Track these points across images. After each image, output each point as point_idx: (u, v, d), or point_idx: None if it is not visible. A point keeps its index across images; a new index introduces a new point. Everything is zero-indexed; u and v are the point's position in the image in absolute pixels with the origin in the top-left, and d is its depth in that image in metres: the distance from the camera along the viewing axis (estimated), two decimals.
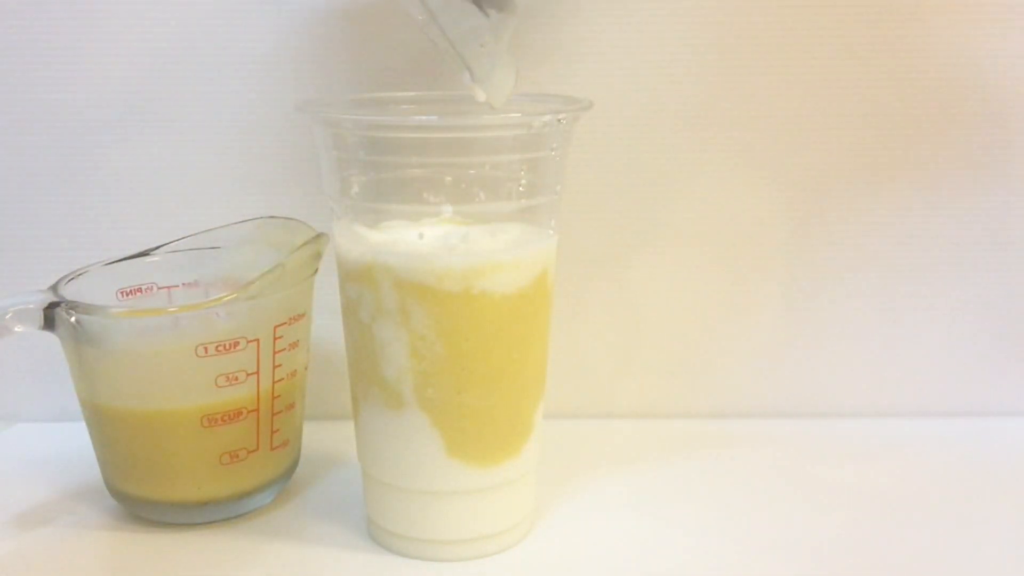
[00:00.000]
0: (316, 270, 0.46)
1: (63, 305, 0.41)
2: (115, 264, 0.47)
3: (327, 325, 0.49)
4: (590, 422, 0.56)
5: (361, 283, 0.39)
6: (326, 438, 0.53)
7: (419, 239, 0.38)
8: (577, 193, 0.52)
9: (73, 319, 0.41)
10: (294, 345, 0.45)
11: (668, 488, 0.48)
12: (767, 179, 0.54)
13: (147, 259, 0.48)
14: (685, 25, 0.52)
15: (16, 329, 0.41)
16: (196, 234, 0.48)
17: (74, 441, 0.50)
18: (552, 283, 0.42)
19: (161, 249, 0.48)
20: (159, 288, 0.48)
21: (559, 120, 0.38)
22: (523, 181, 0.40)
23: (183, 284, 0.48)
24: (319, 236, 0.45)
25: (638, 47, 0.52)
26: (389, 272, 0.38)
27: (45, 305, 0.41)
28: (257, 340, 0.42)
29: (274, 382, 0.44)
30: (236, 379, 0.42)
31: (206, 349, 0.41)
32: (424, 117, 0.41)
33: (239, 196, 0.54)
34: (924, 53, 0.52)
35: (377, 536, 0.43)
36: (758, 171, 0.54)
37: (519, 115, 0.39)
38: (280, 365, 0.44)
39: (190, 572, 0.41)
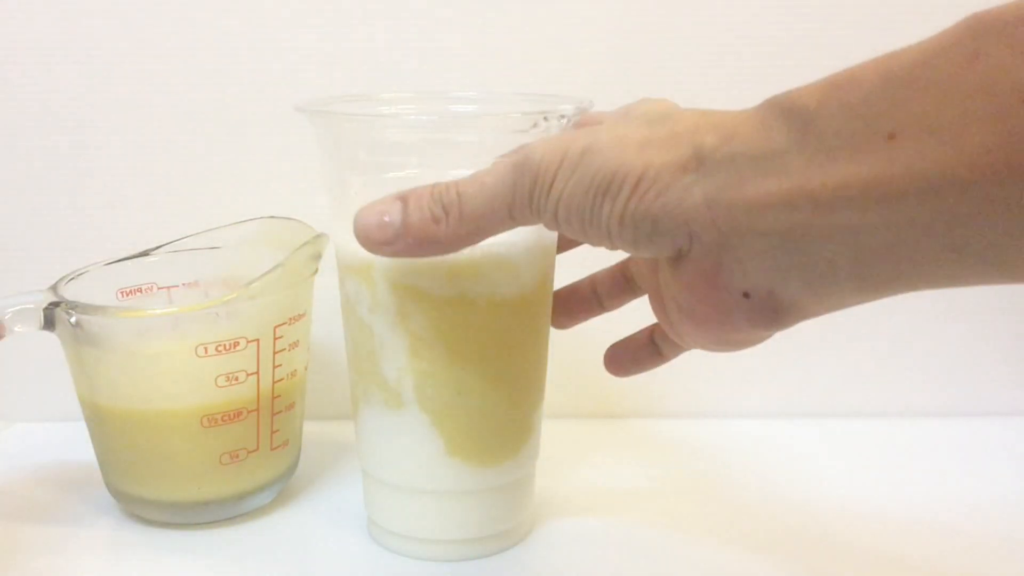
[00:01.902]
0: (316, 270, 0.46)
1: (63, 305, 0.41)
2: (115, 264, 0.47)
3: (327, 325, 0.49)
4: (590, 422, 0.56)
5: (360, 283, 0.39)
6: (326, 438, 0.53)
7: None
8: None
9: (73, 319, 0.41)
10: (294, 345, 0.45)
11: (668, 488, 0.49)
12: None
13: (147, 259, 0.48)
14: (684, 24, 0.52)
15: (16, 329, 0.41)
16: (196, 234, 0.48)
17: (74, 441, 0.50)
18: (551, 284, 0.42)
19: (161, 249, 0.48)
20: (159, 288, 0.48)
21: (560, 119, 0.38)
22: None
23: (183, 284, 0.48)
24: (319, 236, 0.45)
25: (637, 46, 0.52)
26: (387, 273, 0.38)
27: (45, 305, 0.41)
28: (257, 340, 0.42)
29: (274, 382, 0.44)
30: (236, 379, 0.42)
31: (206, 349, 0.41)
32: (424, 117, 0.40)
33: (239, 196, 0.54)
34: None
35: (377, 536, 0.43)
36: None
37: (520, 114, 0.39)
38: (280, 365, 0.44)
39: (190, 572, 0.41)
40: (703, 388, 0.57)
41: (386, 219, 0.34)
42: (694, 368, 0.56)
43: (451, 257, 0.36)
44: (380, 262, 0.38)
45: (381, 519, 0.43)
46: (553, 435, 0.46)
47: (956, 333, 0.56)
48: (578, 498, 0.47)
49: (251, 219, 0.49)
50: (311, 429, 0.50)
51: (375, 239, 0.34)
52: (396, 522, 0.42)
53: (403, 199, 0.34)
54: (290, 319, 0.44)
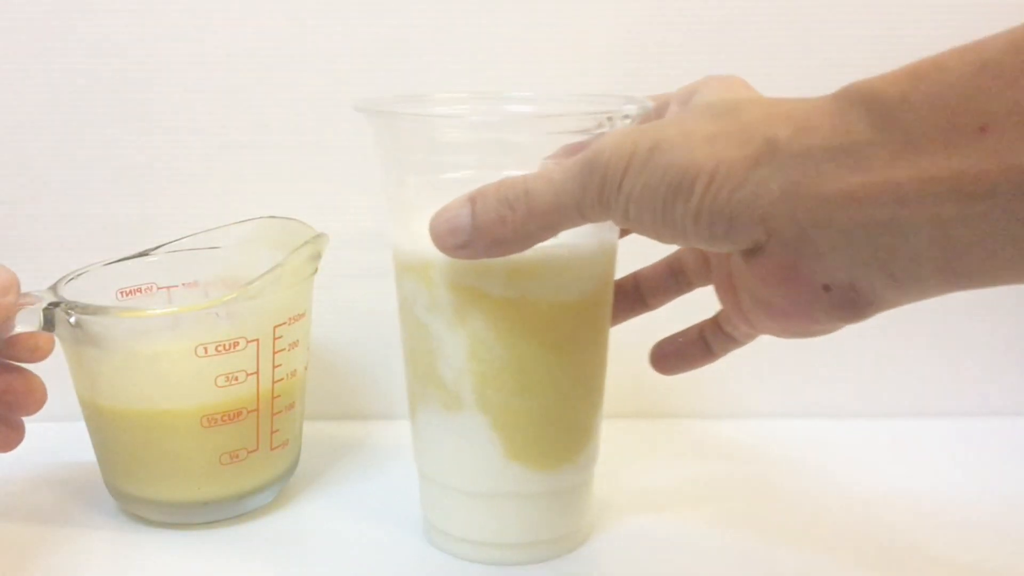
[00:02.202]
0: (316, 270, 0.45)
1: (63, 305, 0.41)
2: (115, 264, 0.47)
3: (327, 325, 0.49)
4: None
5: (418, 283, 0.39)
6: (327, 438, 0.53)
7: None
8: None
9: (73, 319, 0.41)
10: (294, 345, 0.45)
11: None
12: None
13: (147, 259, 0.48)
14: (690, 28, 0.52)
15: (16, 329, 0.41)
16: (196, 234, 0.48)
17: (74, 441, 0.49)
18: (612, 287, 0.41)
19: (161, 249, 0.48)
20: (159, 288, 0.48)
21: (624, 119, 0.37)
22: None
23: (183, 284, 0.48)
24: (319, 236, 0.45)
25: (638, 47, 0.52)
26: (445, 273, 0.37)
27: (45, 305, 0.41)
28: (257, 340, 0.42)
29: (274, 382, 0.44)
30: (236, 379, 0.42)
31: (206, 349, 0.41)
32: (486, 117, 0.40)
33: (242, 195, 0.54)
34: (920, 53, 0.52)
35: (433, 538, 0.43)
36: None
37: (585, 115, 0.38)
38: (280, 365, 0.44)
39: (191, 572, 0.41)
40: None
41: (458, 222, 0.34)
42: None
43: (511, 258, 0.36)
44: (439, 262, 0.37)
45: (437, 521, 0.42)
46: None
47: (957, 333, 0.56)
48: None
49: (250, 219, 0.49)
50: (311, 429, 0.50)
51: (449, 244, 0.34)
52: (453, 524, 0.42)
53: (472, 200, 0.34)
54: (290, 319, 0.44)
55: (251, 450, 0.44)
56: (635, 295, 0.43)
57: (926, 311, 0.55)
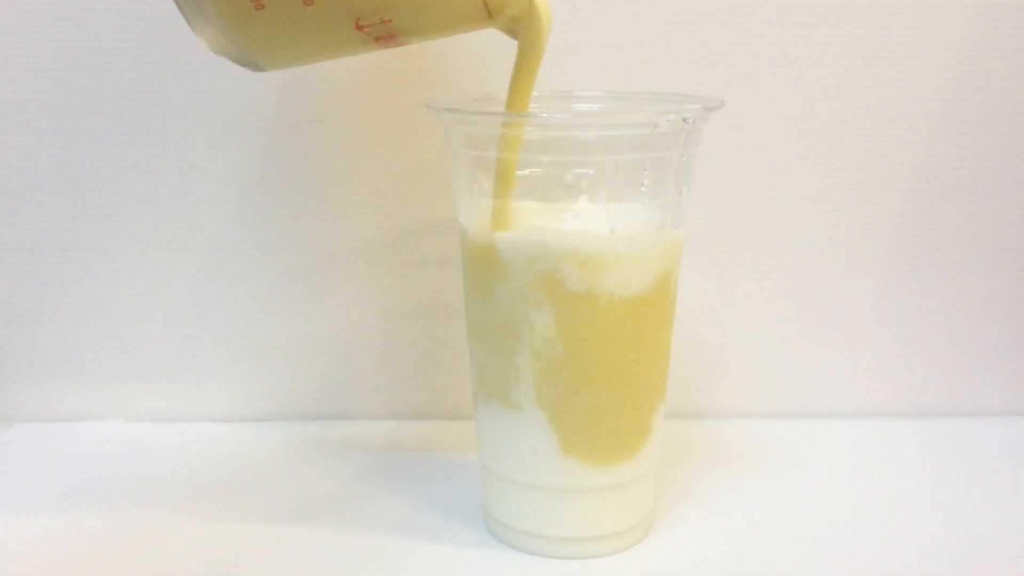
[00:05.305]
0: None
1: None
2: None
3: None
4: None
5: (481, 278, 0.40)
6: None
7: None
8: None
9: None
10: None
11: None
12: (766, 180, 0.54)
13: None
14: (689, 30, 0.52)
15: None
16: None
17: (74, 441, 0.49)
18: (675, 285, 0.42)
19: None
20: None
21: (684, 120, 0.38)
22: (647, 180, 0.39)
23: None
24: None
25: (634, 49, 0.52)
26: (505, 271, 0.38)
27: None
28: None
29: None
30: None
31: None
32: (556, 116, 0.41)
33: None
34: (919, 53, 0.52)
35: (493, 529, 0.43)
36: (757, 172, 0.54)
37: (645, 113, 0.38)
38: None
39: (194, 572, 0.41)
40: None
41: None
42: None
43: (573, 255, 0.37)
44: (502, 259, 0.38)
45: (496, 512, 0.43)
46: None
47: (957, 333, 0.57)
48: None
49: None
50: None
51: None
52: (510, 515, 0.42)
53: None
54: None
55: None
56: None
57: (926, 311, 0.55)
